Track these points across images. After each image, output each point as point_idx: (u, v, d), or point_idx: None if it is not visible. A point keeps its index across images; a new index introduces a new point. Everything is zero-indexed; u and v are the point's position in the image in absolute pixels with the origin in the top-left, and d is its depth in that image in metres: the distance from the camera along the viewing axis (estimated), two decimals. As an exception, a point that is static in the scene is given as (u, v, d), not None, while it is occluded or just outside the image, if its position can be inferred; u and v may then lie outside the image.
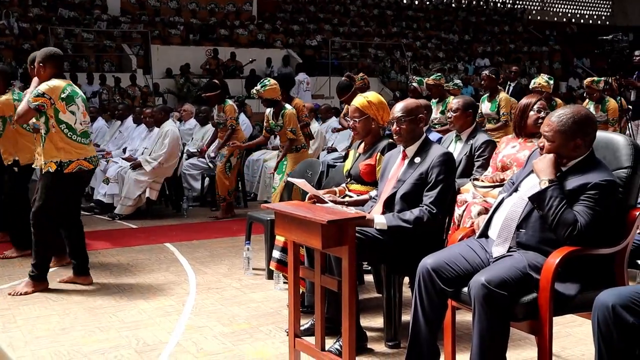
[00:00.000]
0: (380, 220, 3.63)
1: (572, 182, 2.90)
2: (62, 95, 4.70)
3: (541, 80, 7.87)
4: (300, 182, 4.38)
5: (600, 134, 3.04)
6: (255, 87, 6.71)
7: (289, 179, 4.80)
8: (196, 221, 7.84)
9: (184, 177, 8.81)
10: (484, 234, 3.20)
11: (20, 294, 4.69)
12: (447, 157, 3.74)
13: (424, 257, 3.64)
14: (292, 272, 3.05)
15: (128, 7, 19.46)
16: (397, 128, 3.82)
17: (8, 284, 5.03)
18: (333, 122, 10.81)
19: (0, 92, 5.67)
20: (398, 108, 3.86)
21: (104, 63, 17.52)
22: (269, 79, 6.82)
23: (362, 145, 4.48)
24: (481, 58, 22.80)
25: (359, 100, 4.35)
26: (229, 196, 7.91)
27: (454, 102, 5.23)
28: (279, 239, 4.34)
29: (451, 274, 3.02)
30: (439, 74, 7.80)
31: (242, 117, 9.90)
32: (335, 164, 9.61)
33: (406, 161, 3.85)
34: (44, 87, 4.65)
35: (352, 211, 3.63)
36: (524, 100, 4.44)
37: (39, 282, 4.81)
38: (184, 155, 8.75)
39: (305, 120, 8.01)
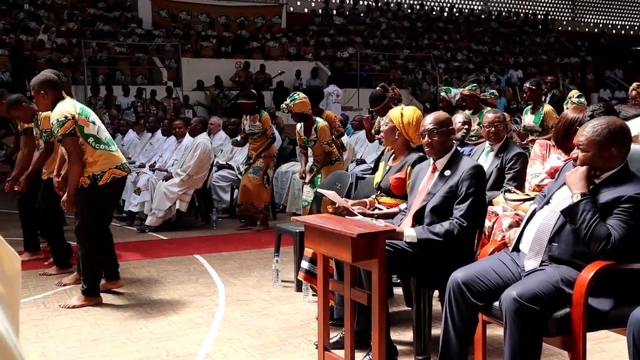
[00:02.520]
0: (410, 233, 3.60)
1: (605, 195, 2.85)
2: (78, 111, 4.74)
3: (571, 105, 7.75)
4: (331, 194, 4.39)
5: (635, 146, 2.99)
6: (285, 102, 6.72)
7: (319, 190, 4.80)
8: (225, 232, 7.87)
9: (213, 189, 8.86)
10: (516, 247, 3.16)
11: (71, 307, 4.72)
12: (478, 170, 3.70)
13: (454, 269, 3.64)
14: (322, 285, 3.04)
15: (159, 21, 19.71)
16: (429, 140, 3.79)
17: (42, 294, 5.10)
18: (363, 134, 10.80)
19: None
20: (429, 120, 3.84)
21: (137, 76, 17.77)
22: (298, 92, 6.82)
23: (393, 157, 4.47)
24: (514, 69, 22.64)
25: (394, 110, 4.38)
26: (266, 209, 7.94)
27: (490, 116, 5.19)
28: (308, 250, 4.33)
29: (482, 288, 2.99)
30: (475, 84, 7.73)
31: (277, 135, 9.94)
32: (364, 175, 9.58)
33: (436, 174, 3.82)
34: (58, 114, 4.62)
35: (382, 224, 3.63)
36: (570, 114, 4.28)
37: (92, 297, 4.81)
38: (214, 168, 8.79)
39: (339, 130, 8.03)
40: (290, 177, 9.24)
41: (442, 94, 8.57)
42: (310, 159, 7.06)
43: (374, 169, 9.66)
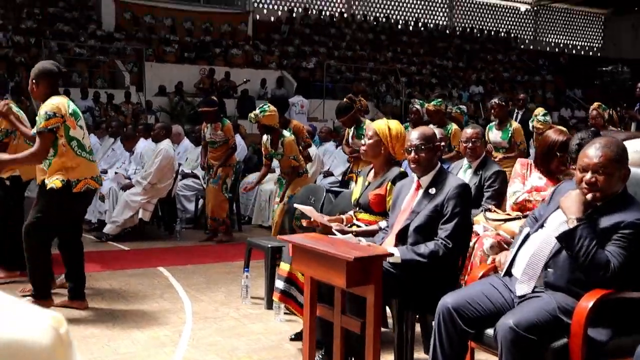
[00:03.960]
0: (393, 253, 3.46)
1: (605, 221, 2.74)
2: (70, 111, 4.51)
3: (537, 124, 7.75)
4: (307, 209, 4.24)
5: (634, 169, 2.88)
6: (254, 112, 6.53)
7: (296, 205, 4.61)
8: (190, 244, 7.62)
9: (178, 198, 8.59)
10: (508, 272, 3.03)
11: None
12: (464, 189, 3.57)
13: (438, 292, 3.49)
14: (308, 311, 2.85)
15: (123, 24, 19.31)
16: (416, 156, 3.64)
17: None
18: (330, 145, 10.66)
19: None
20: (415, 135, 3.69)
21: (97, 79, 17.32)
22: (268, 104, 6.62)
23: (372, 172, 4.33)
24: (475, 85, 22.82)
25: (379, 123, 4.26)
26: (228, 218, 7.72)
27: (471, 131, 5.09)
28: (283, 269, 4.13)
29: (473, 314, 2.86)
30: (440, 99, 7.67)
31: (238, 138, 9.70)
32: (332, 189, 9.45)
33: (420, 192, 3.68)
34: (49, 107, 4.39)
35: (365, 243, 3.48)
36: (553, 136, 4.19)
37: (46, 301, 4.54)
38: (179, 177, 8.53)
39: (306, 141, 7.86)
40: (257, 188, 9.01)
41: (416, 106, 8.47)
42: (277, 170, 6.88)
43: (342, 182, 9.55)
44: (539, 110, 8.28)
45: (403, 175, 4.17)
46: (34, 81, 4.52)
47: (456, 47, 25.26)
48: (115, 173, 8.36)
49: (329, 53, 21.61)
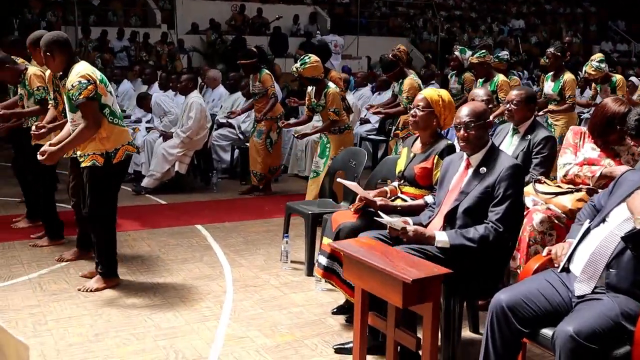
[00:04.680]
0: (442, 238, 3.33)
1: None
2: (99, 77, 4.35)
3: (590, 69, 7.40)
4: (352, 185, 4.11)
5: None
6: (295, 65, 6.29)
7: (340, 180, 4.48)
8: (226, 196, 7.57)
9: (213, 149, 8.51)
10: (565, 267, 2.88)
11: (91, 291, 4.45)
12: (517, 170, 3.39)
13: (488, 276, 3.38)
14: (359, 323, 2.72)
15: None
16: (465, 134, 3.46)
17: (37, 273, 4.82)
18: (367, 90, 10.43)
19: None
20: (465, 112, 3.50)
21: (131, 17, 17.11)
22: (309, 55, 6.34)
23: (418, 143, 4.16)
24: (516, 19, 22.06)
25: (430, 92, 4.07)
26: (270, 174, 7.61)
27: (514, 93, 4.79)
28: (325, 243, 4.04)
29: (528, 313, 2.73)
30: (484, 51, 7.34)
31: (276, 87, 9.50)
32: (369, 136, 9.31)
33: (470, 171, 3.52)
34: (81, 75, 4.20)
35: (411, 226, 3.35)
36: (612, 107, 3.94)
37: (110, 279, 4.55)
38: (214, 126, 8.42)
39: (341, 94, 7.65)
40: (292, 137, 8.87)
41: (456, 53, 8.19)
42: (319, 124, 6.69)
43: (379, 130, 9.36)
44: (596, 56, 7.91)
45: (451, 148, 4.00)
46: (47, 53, 4.30)
47: (496, -22, 24.33)
48: (147, 130, 8.27)
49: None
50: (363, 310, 2.77)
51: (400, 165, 4.22)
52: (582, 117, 9.62)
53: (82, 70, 4.27)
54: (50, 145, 4.36)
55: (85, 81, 4.20)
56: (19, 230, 5.87)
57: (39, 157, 4.32)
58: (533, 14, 22.73)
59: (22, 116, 5.59)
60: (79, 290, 4.47)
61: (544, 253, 3.06)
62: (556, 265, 2.94)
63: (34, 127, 4.89)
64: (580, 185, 4.07)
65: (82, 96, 4.18)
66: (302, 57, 6.34)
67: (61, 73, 4.39)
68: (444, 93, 4.08)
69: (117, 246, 4.78)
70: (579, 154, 4.21)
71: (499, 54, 8.18)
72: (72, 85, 4.22)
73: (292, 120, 7.71)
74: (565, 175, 4.21)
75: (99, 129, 4.29)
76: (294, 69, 6.25)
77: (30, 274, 4.79)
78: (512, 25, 21.71)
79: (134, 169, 8.07)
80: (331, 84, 6.35)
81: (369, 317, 2.81)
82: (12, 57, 5.63)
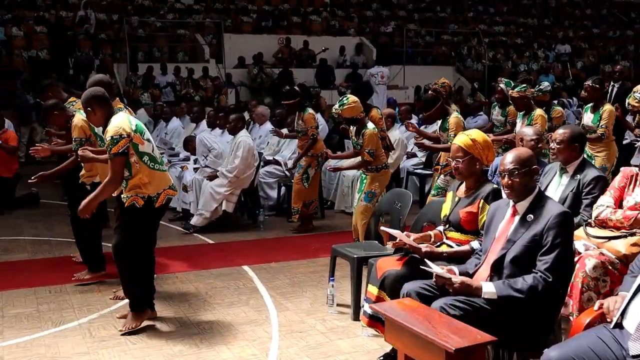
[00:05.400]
0: (489, 289, 3.27)
1: None
2: (133, 127, 4.43)
3: (633, 101, 7.21)
4: (395, 232, 4.07)
5: None
6: (335, 107, 6.38)
7: (383, 228, 4.46)
8: (273, 235, 7.60)
9: (260, 186, 8.56)
10: (619, 323, 2.79)
11: (131, 328, 4.55)
12: (566, 217, 3.32)
13: (537, 328, 3.29)
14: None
15: (201, -5, 19.37)
16: (509, 181, 3.42)
17: (87, 318, 4.89)
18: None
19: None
20: (510, 159, 3.46)
21: (178, 53, 17.49)
22: (347, 96, 6.42)
23: (463, 187, 4.11)
24: (562, 43, 21.77)
25: (462, 138, 4.00)
26: (305, 208, 7.64)
27: (559, 132, 4.71)
28: (371, 292, 4.02)
29: (580, 373, 2.64)
30: (524, 85, 7.25)
31: (320, 119, 9.54)
32: (416, 171, 9.25)
33: (517, 218, 3.46)
34: (114, 130, 4.32)
35: (457, 278, 3.29)
36: None
37: (141, 313, 4.65)
38: (260, 163, 8.49)
39: (382, 134, 7.62)
40: (339, 172, 8.87)
41: (501, 85, 8.11)
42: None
43: (425, 164, 9.29)
44: (638, 87, 7.73)
45: (497, 192, 3.94)
46: (88, 109, 4.46)
47: (541, 3, 24.11)
48: (195, 169, 8.38)
49: (408, 16, 21.06)
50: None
51: (446, 210, 4.17)
52: (636, 146, 9.36)
53: (117, 122, 4.37)
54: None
55: (118, 136, 4.31)
56: (71, 272, 5.96)
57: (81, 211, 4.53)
58: (580, 38, 22.40)
59: (62, 169, 5.78)
60: (122, 333, 4.53)
61: (596, 307, 2.97)
62: (609, 320, 2.84)
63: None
64: (635, 230, 3.95)
65: (112, 152, 4.31)
66: (340, 98, 6.41)
67: (104, 126, 4.50)
68: (475, 134, 4.03)
69: (165, 287, 4.85)
70: (629, 198, 4.07)
71: (541, 86, 8.04)
72: (106, 139, 4.37)
73: (331, 162, 7.75)
74: (597, 217, 4.09)
75: (137, 177, 4.39)
76: (333, 111, 6.34)
77: (81, 319, 4.87)
78: (558, 50, 21.42)
79: (182, 207, 8.19)
80: (370, 124, 6.37)
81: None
82: (72, 98, 5.87)
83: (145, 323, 4.66)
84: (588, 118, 7.21)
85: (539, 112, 7.05)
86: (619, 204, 4.12)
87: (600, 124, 7.01)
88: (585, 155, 6.81)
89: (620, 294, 2.91)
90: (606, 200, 4.16)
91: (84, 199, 4.61)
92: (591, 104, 7.23)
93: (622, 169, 4.36)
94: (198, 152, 8.33)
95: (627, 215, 3.94)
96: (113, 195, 4.66)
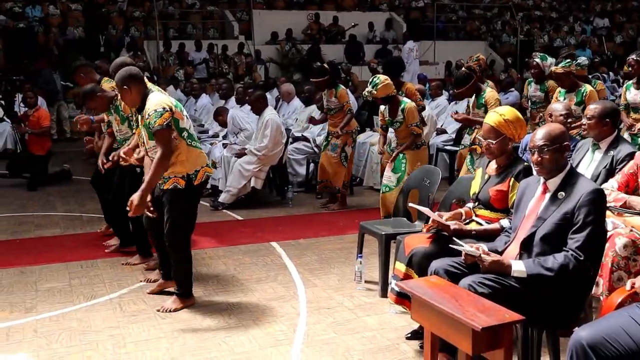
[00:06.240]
0: (518, 267, 3.22)
1: None
2: (174, 103, 4.44)
3: None
4: (424, 210, 4.04)
5: None
6: (367, 89, 6.32)
7: (412, 204, 4.41)
8: (302, 211, 7.61)
9: (289, 162, 8.56)
10: (651, 302, 2.73)
11: (170, 311, 4.55)
12: (598, 195, 3.24)
13: (567, 306, 3.24)
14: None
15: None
16: (539, 158, 3.35)
17: (117, 293, 4.96)
18: (442, 100, 10.26)
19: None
20: (540, 135, 3.38)
21: (209, 29, 17.50)
22: (378, 76, 6.37)
23: (493, 164, 4.04)
24: (600, 17, 21.28)
25: (494, 117, 3.91)
26: (345, 188, 7.63)
27: (590, 107, 4.60)
28: (398, 269, 3.99)
29: (611, 353, 2.60)
30: (569, 60, 7.02)
31: (350, 97, 9.45)
32: (446, 147, 9.15)
33: (547, 195, 3.39)
34: (156, 103, 4.30)
35: (488, 257, 3.24)
36: None
37: (187, 299, 4.66)
38: (289, 140, 8.47)
39: (419, 104, 7.54)
40: (368, 148, 8.84)
41: (537, 60, 7.88)
42: (393, 142, 6.59)
43: (455, 140, 9.19)
44: None
45: (527, 170, 3.86)
46: (125, 87, 4.41)
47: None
48: (224, 145, 8.39)
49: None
50: (433, 353, 2.71)
51: (475, 187, 4.11)
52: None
53: (158, 98, 4.37)
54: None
55: (161, 109, 4.28)
56: (102, 247, 6.04)
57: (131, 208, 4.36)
58: (618, 11, 21.85)
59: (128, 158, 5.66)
60: (158, 311, 4.57)
61: (628, 287, 2.91)
62: (641, 300, 2.78)
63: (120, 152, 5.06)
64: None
65: (157, 124, 4.27)
66: (372, 80, 6.33)
67: (139, 105, 4.49)
68: (506, 111, 3.93)
69: (194, 264, 4.85)
70: None
71: (578, 60, 7.83)
72: (148, 114, 4.32)
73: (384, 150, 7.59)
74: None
75: (172, 156, 4.38)
76: (367, 93, 6.28)
77: (111, 293, 4.94)
78: (595, 24, 20.96)
79: (211, 184, 8.22)
80: (406, 99, 6.31)
81: (439, 358, 2.74)
82: (105, 78, 5.84)
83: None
84: (633, 95, 6.93)
85: (589, 88, 6.78)
86: (623, 189, 4.05)
87: None
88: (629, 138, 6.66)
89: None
90: (611, 183, 4.12)
91: (136, 183, 4.58)
92: (635, 80, 6.99)
93: (637, 154, 4.24)
94: (229, 128, 8.33)
95: (617, 198, 3.92)
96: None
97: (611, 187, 4.08)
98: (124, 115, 5.54)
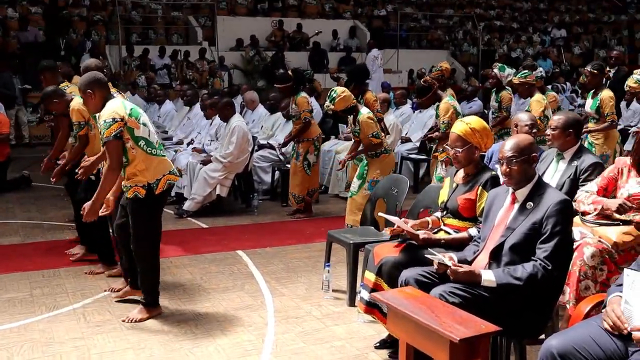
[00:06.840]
0: (488, 277, 3.25)
1: None
2: (128, 112, 4.33)
3: (632, 82, 7.14)
4: (393, 219, 4.05)
5: None
6: (326, 103, 6.35)
7: (380, 214, 4.42)
8: (267, 219, 7.57)
9: (254, 170, 8.51)
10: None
11: (135, 321, 4.47)
12: (565, 205, 3.30)
13: (536, 316, 3.28)
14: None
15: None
16: (508, 169, 3.40)
17: (81, 303, 4.86)
18: (407, 109, 10.34)
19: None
20: (508, 146, 3.43)
21: (172, 35, 17.35)
22: (335, 89, 6.42)
23: (461, 173, 4.08)
24: (557, 28, 21.71)
25: (461, 127, 3.95)
26: (309, 196, 7.60)
27: (554, 118, 4.68)
28: (368, 278, 3.99)
29: (580, 363, 2.63)
30: (526, 71, 7.20)
31: (314, 104, 9.44)
32: (410, 156, 9.22)
33: (516, 206, 3.44)
34: (106, 114, 4.24)
35: (460, 267, 3.27)
36: None
37: (153, 308, 4.58)
38: (254, 148, 8.43)
39: (378, 116, 7.56)
40: (333, 156, 8.85)
41: (495, 70, 8.08)
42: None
43: (420, 149, 9.27)
44: (635, 73, 7.70)
45: (495, 179, 3.91)
46: (89, 92, 4.36)
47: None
48: (192, 148, 8.32)
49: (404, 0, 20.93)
50: (408, 363, 2.71)
51: (443, 196, 4.15)
52: (629, 132, 9.36)
53: (111, 107, 4.29)
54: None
55: (110, 119, 4.22)
56: (64, 255, 5.91)
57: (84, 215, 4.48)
58: (576, 23, 22.32)
59: (70, 161, 5.61)
60: (123, 321, 4.49)
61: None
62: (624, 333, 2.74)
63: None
64: (631, 217, 3.93)
65: (105, 135, 4.23)
66: (329, 93, 6.36)
67: (100, 111, 4.42)
68: (473, 121, 3.98)
69: (160, 273, 4.78)
70: (622, 190, 4.04)
71: (535, 72, 7.98)
72: (99, 124, 4.30)
73: (327, 147, 7.64)
74: (574, 200, 4.10)
75: (130, 166, 4.33)
76: (326, 107, 6.32)
77: (75, 303, 4.84)
78: (554, 35, 21.36)
79: (175, 191, 8.12)
80: (363, 110, 6.35)
81: (414, 369, 2.75)
82: (66, 80, 5.75)
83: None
84: (588, 104, 7.17)
85: (534, 97, 7.03)
86: (602, 193, 4.12)
87: (605, 112, 6.91)
88: (586, 143, 6.84)
89: (613, 299, 2.82)
90: (590, 187, 4.18)
91: (90, 187, 4.53)
92: (592, 91, 7.18)
93: (617, 159, 4.34)
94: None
95: (595, 201, 3.98)
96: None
97: (589, 190, 4.14)
98: (72, 122, 5.48)
